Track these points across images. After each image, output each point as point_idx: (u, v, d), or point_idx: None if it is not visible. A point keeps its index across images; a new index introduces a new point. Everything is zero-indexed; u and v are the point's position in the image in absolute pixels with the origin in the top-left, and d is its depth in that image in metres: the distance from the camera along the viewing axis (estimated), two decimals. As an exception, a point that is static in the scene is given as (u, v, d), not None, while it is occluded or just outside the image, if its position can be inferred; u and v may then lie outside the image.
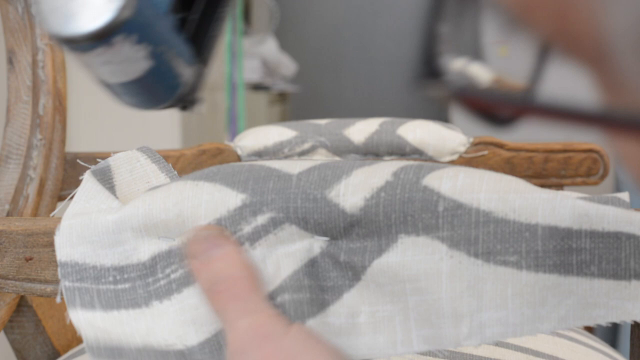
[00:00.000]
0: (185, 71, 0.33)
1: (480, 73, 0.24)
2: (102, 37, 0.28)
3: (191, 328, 0.37)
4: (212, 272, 0.36)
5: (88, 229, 0.38)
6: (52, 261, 0.39)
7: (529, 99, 0.21)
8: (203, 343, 0.36)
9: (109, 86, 0.32)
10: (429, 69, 0.23)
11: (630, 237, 0.33)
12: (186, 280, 0.37)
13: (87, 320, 0.38)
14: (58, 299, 0.39)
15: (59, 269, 0.38)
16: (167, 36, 0.31)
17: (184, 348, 0.37)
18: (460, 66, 0.23)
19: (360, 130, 0.75)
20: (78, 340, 0.68)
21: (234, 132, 2.16)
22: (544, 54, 0.23)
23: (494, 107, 0.23)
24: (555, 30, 0.20)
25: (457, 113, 2.39)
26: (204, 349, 0.36)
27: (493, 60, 0.27)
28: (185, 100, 0.35)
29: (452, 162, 0.74)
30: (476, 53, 0.24)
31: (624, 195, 0.35)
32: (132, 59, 0.29)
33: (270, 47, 2.71)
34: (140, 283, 0.38)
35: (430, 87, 0.23)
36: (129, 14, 0.28)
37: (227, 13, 0.36)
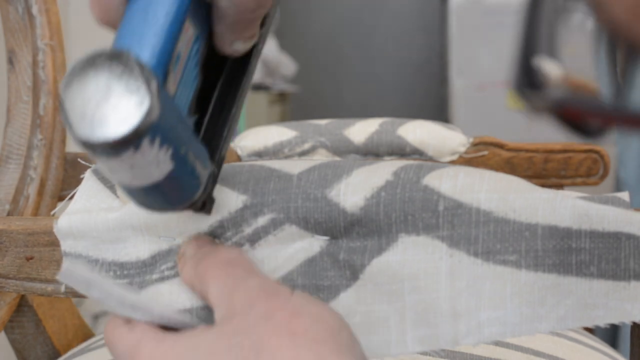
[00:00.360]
0: (202, 174, 0.33)
1: (553, 70, 0.24)
2: (131, 141, 0.27)
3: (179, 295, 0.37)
4: (198, 257, 0.36)
5: (88, 225, 0.38)
6: (53, 260, 0.40)
7: (623, 109, 0.21)
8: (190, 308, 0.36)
9: (128, 189, 0.31)
10: (529, 79, 0.23)
11: (630, 237, 0.33)
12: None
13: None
14: (62, 288, 0.40)
15: (63, 259, 0.39)
16: (187, 139, 0.31)
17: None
18: (536, 64, 0.23)
19: (360, 130, 0.75)
20: (78, 340, 0.68)
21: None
22: (632, 64, 0.23)
23: (590, 117, 0.23)
24: None
25: (457, 113, 2.39)
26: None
27: (560, 58, 0.27)
28: (200, 203, 0.35)
29: (452, 162, 0.74)
30: (552, 52, 0.24)
31: (624, 195, 0.35)
32: (156, 162, 0.29)
33: (270, 47, 2.71)
34: (138, 280, 0.38)
35: (530, 99, 0.23)
36: (156, 117, 0.28)
37: (238, 116, 0.36)
